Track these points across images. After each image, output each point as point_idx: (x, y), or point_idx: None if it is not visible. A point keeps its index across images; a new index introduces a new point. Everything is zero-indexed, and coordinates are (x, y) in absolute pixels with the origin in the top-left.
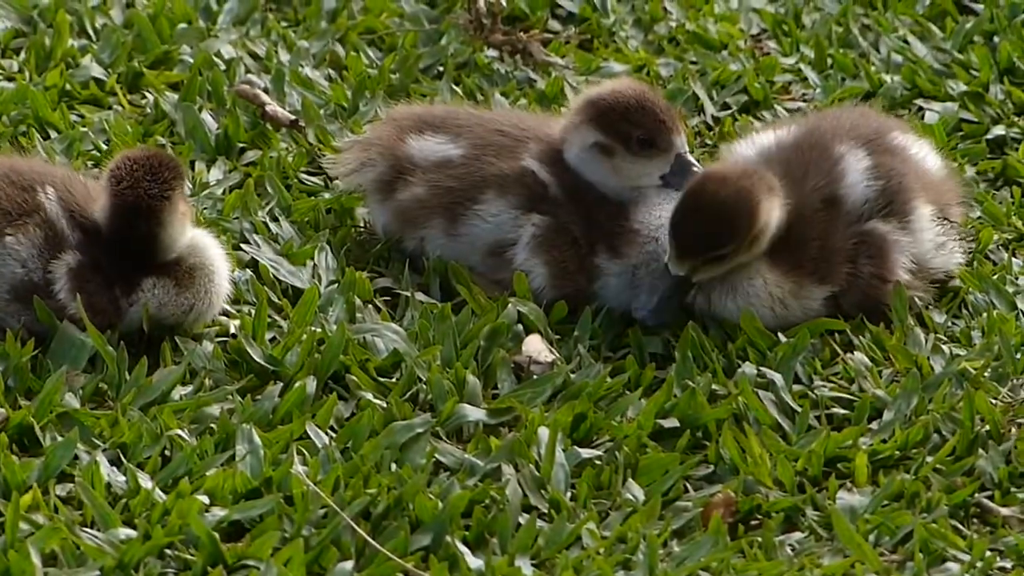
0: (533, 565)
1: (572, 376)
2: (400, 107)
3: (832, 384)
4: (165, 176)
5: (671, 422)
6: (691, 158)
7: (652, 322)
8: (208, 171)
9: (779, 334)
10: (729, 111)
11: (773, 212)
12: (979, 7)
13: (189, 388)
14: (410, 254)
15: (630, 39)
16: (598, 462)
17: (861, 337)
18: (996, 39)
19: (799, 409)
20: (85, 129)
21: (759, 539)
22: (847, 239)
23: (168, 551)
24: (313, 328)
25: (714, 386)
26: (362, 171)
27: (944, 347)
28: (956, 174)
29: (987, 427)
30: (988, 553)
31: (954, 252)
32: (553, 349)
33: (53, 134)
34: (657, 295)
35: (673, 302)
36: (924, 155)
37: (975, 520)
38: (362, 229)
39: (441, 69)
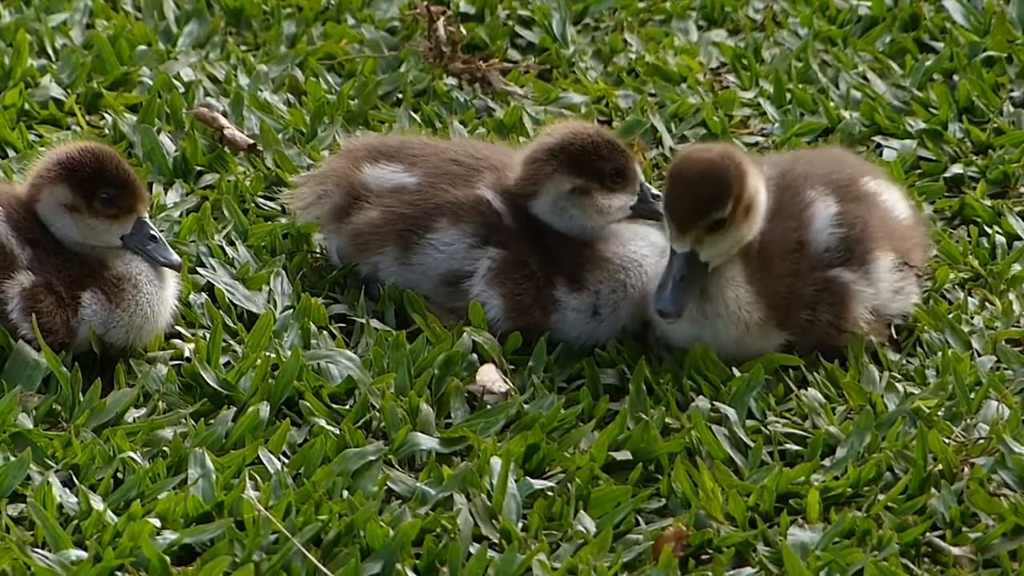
0: None
1: (526, 407)
2: (354, 138)
3: (785, 420)
4: (48, 164)
5: (624, 455)
6: (650, 186)
7: (670, 308)
8: (165, 194)
9: (733, 368)
10: (687, 144)
11: (760, 187)
12: (939, 45)
13: (142, 411)
14: (365, 281)
15: (589, 70)
16: (550, 493)
17: (815, 374)
18: (955, 77)
19: (752, 444)
20: (44, 149)
21: (709, 573)
22: (809, 285)
23: (119, 573)
24: (267, 353)
25: (667, 419)
26: (319, 203)
27: (898, 385)
28: (924, 220)
29: (940, 466)
30: None
31: (911, 296)
32: (507, 379)
33: (11, 153)
34: (670, 280)
35: (688, 284)
36: (894, 202)
37: (926, 559)
38: (318, 255)
39: (400, 96)
